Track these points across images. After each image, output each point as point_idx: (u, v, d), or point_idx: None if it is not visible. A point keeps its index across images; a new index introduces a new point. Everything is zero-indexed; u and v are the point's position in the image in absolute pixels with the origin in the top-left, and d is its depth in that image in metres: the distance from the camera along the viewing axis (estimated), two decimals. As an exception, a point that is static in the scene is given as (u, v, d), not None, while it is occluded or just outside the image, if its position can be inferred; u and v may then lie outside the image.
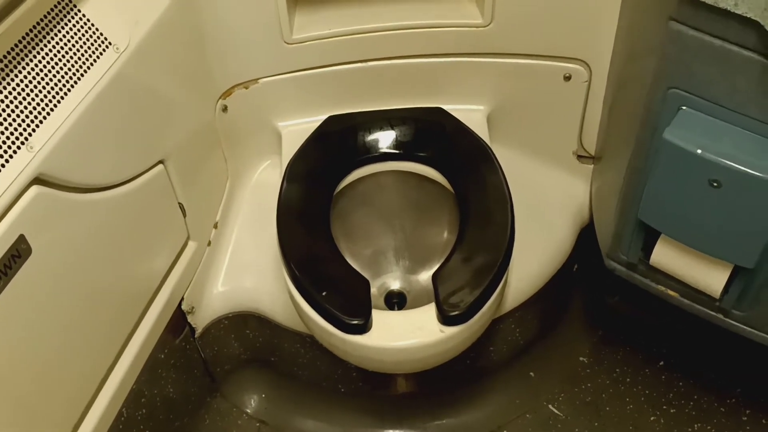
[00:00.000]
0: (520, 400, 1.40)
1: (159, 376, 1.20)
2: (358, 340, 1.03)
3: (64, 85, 0.88)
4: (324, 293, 1.06)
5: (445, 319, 1.03)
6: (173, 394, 1.24)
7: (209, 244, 1.28)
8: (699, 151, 0.92)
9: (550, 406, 1.40)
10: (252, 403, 1.40)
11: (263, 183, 1.38)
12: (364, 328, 1.03)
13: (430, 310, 1.05)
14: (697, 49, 0.91)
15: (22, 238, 0.82)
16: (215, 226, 1.30)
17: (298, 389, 1.41)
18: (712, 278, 1.06)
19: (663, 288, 1.16)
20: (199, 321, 1.28)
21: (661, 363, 1.43)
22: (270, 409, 1.40)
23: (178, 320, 1.23)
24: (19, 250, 0.83)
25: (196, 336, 1.29)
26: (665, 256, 1.09)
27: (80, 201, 0.92)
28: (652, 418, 1.37)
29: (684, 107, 0.96)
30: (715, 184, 0.92)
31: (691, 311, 1.16)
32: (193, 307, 1.25)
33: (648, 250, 1.13)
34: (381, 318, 1.04)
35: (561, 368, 1.44)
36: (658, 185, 1.00)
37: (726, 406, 1.37)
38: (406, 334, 1.03)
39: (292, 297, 1.10)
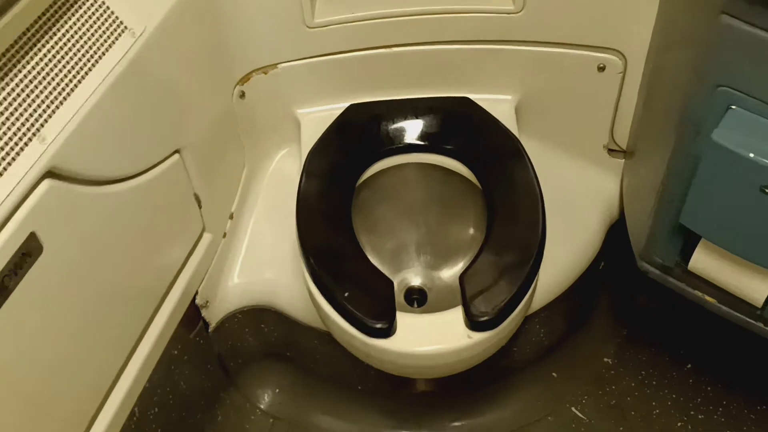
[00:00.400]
0: (542, 402, 1.36)
1: (172, 373, 1.15)
2: (381, 344, 0.98)
3: (78, 72, 0.83)
4: (346, 294, 1.01)
5: (474, 324, 0.98)
6: (186, 390, 1.20)
7: (225, 235, 1.23)
8: (751, 155, 0.86)
9: (573, 409, 1.35)
10: (266, 399, 1.36)
11: (281, 172, 1.33)
12: (388, 331, 0.98)
13: (457, 314, 1.00)
14: (751, 46, 0.85)
15: (32, 236, 0.78)
16: (231, 217, 1.25)
17: (313, 385, 1.37)
18: (755, 287, 1.01)
19: (700, 293, 1.11)
20: (213, 315, 1.24)
21: (689, 366, 1.39)
22: (284, 404, 1.36)
23: (192, 315, 1.19)
24: (30, 249, 0.78)
25: (210, 330, 1.25)
26: (705, 261, 1.04)
27: (94, 194, 0.87)
28: (679, 424, 1.33)
29: (734, 107, 0.90)
30: (767, 191, 0.87)
31: (728, 318, 1.11)
32: (207, 301, 1.21)
33: (685, 253, 1.08)
34: (406, 321, 1.00)
35: (585, 369, 1.40)
36: (703, 189, 0.94)
37: (756, 413, 1.32)
38: (431, 339, 0.99)
39: (311, 296, 1.05)
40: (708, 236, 0.99)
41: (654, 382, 1.38)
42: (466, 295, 1.00)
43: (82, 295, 0.89)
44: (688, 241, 1.06)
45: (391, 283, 1.03)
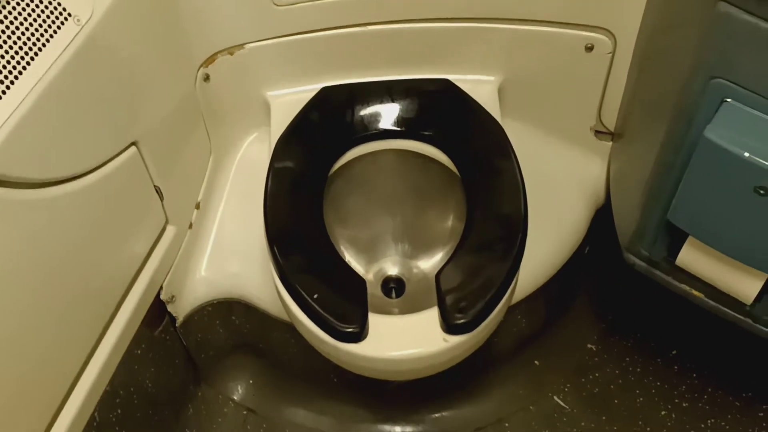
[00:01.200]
0: (523, 391, 1.32)
1: (135, 373, 1.10)
2: (352, 348, 0.93)
3: (14, 68, 0.76)
4: (315, 295, 0.95)
5: (449, 327, 0.93)
6: (152, 388, 1.15)
7: (191, 226, 1.17)
8: (746, 155, 0.80)
9: (555, 398, 1.32)
10: (239, 390, 1.32)
11: (250, 157, 1.26)
12: (359, 336, 0.93)
13: (432, 316, 0.95)
14: (749, 36, 0.79)
15: (-32, 248, 0.71)
16: (197, 207, 1.19)
17: (287, 377, 1.32)
18: (744, 285, 0.97)
19: (687, 287, 1.06)
20: (180, 309, 1.18)
21: (674, 352, 1.35)
22: (258, 396, 1.32)
23: (157, 311, 1.13)
24: (-34, 261, 0.72)
25: (177, 325, 1.19)
26: (693, 257, 0.99)
27: (39, 198, 0.81)
28: (663, 413, 1.30)
29: (729, 100, 0.84)
30: (762, 192, 0.81)
31: (716, 313, 1.06)
32: (173, 296, 1.15)
33: (673, 247, 1.03)
34: (378, 323, 0.94)
35: (567, 357, 1.36)
36: (693, 187, 0.89)
37: (741, 401, 1.30)
38: (405, 342, 0.94)
39: (280, 296, 1.00)
40: (697, 235, 0.94)
41: (638, 370, 1.35)
42: (442, 295, 0.95)
43: (33, 299, 0.83)
44: (676, 236, 1.01)
45: (364, 282, 0.97)
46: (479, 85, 1.18)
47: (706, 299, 1.06)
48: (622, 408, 1.31)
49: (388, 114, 1.14)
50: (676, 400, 1.31)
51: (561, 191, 1.27)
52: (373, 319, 0.94)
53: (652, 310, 1.38)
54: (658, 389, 1.32)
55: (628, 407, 1.31)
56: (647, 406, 1.30)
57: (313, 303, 0.95)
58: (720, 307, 1.05)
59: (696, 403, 1.30)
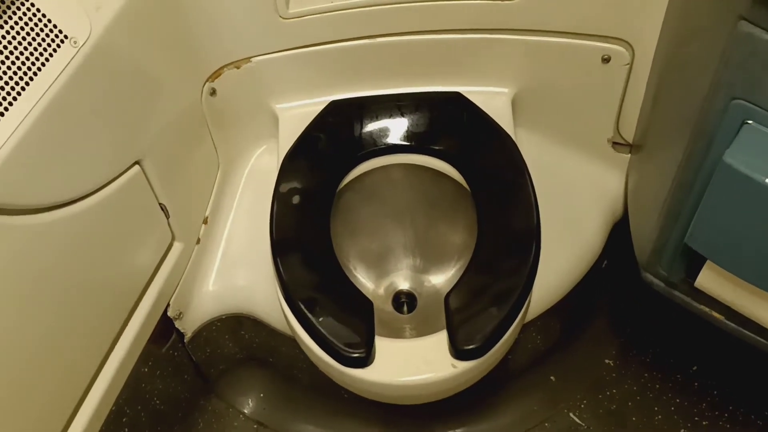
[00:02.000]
0: (538, 407, 1.29)
1: (142, 390, 1.09)
2: (358, 374, 0.91)
3: (8, 94, 0.74)
4: (321, 318, 0.93)
5: (458, 352, 0.90)
6: (160, 405, 1.14)
7: (198, 241, 1.15)
8: (767, 181, 0.77)
9: (571, 415, 1.29)
10: (249, 404, 1.30)
11: (258, 170, 1.24)
12: (365, 361, 0.91)
13: (440, 340, 0.92)
14: (772, 56, 0.75)
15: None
16: (205, 222, 1.17)
17: (298, 391, 1.31)
18: (765, 309, 0.93)
19: (707, 309, 1.02)
20: (188, 325, 1.17)
21: (694, 368, 1.31)
22: (268, 410, 1.31)
23: (164, 328, 1.12)
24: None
25: (186, 341, 1.18)
26: (712, 281, 0.95)
27: (39, 222, 0.80)
28: (682, 430, 1.26)
29: (750, 122, 0.80)
30: (783, 220, 0.77)
31: (736, 335, 1.03)
32: (180, 312, 1.14)
33: (693, 268, 0.99)
34: (385, 348, 0.92)
35: (584, 373, 1.33)
36: (712, 212, 0.85)
37: (764, 419, 1.25)
38: (413, 368, 0.91)
39: (285, 317, 0.98)
40: (715, 260, 0.90)
41: (657, 386, 1.31)
42: (451, 319, 0.93)
43: (35, 323, 0.82)
44: (696, 257, 0.97)
45: (371, 304, 0.95)
46: (492, 98, 1.15)
47: (727, 321, 1.02)
48: (639, 425, 1.27)
49: (397, 128, 1.12)
50: (696, 418, 1.27)
51: (577, 204, 1.24)
52: (380, 344, 0.92)
53: (672, 327, 1.34)
54: (677, 406, 1.28)
55: (646, 424, 1.27)
56: (666, 424, 1.27)
57: (318, 327, 0.93)
58: (741, 329, 1.02)
59: (716, 421, 1.26)
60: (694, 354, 1.32)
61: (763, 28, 0.74)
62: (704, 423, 1.26)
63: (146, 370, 1.08)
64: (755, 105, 0.79)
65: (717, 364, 1.31)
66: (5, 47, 0.75)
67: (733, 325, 1.02)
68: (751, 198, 0.79)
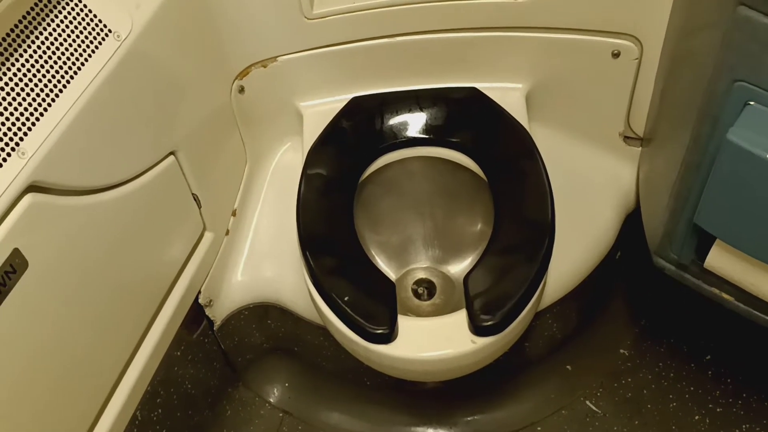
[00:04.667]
0: (555, 395, 1.33)
1: (175, 374, 1.14)
2: (382, 349, 0.96)
3: (59, 82, 0.80)
4: (346, 298, 0.98)
5: (477, 329, 0.95)
6: (191, 389, 1.19)
7: (227, 233, 1.21)
8: (768, 156, 0.81)
9: (587, 402, 1.32)
10: (275, 393, 1.35)
11: (284, 166, 1.30)
12: (389, 337, 0.95)
13: (460, 318, 0.97)
14: (770, 39, 0.79)
15: (16, 253, 0.76)
16: (233, 214, 1.23)
17: (322, 380, 1.35)
18: (774, 287, 0.97)
19: (717, 291, 1.06)
20: (218, 313, 1.22)
21: (708, 357, 1.34)
22: (294, 398, 1.35)
23: (195, 314, 1.17)
24: (14, 265, 0.76)
25: (215, 328, 1.23)
26: (721, 260, 0.99)
27: (82, 204, 0.85)
28: (696, 417, 1.29)
29: (752, 102, 0.84)
30: (785, 193, 0.82)
31: (747, 316, 1.06)
32: (210, 300, 1.19)
33: (702, 250, 1.03)
34: (407, 325, 0.97)
35: (600, 361, 1.36)
36: (718, 189, 0.89)
37: (777, 406, 1.28)
38: (434, 344, 0.96)
39: (312, 299, 1.03)
40: (723, 237, 0.94)
41: (671, 375, 1.34)
42: (470, 298, 0.97)
43: (76, 304, 0.87)
44: (705, 238, 1.01)
45: (393, 285, 1.00)
46: (507, 93, 1.20)
47: (737, 302, 1.06)
48: (655, 413, 1.30)
49: (416, 122, 1.17)
50: (710, 406, 1.30)
51: (590, 196, 1.28)
52: (403, 321, 0.97)
53: (686, 315, 1.37)
54: (691, 394, 1.31)
55: (661, 412, 1.30)
56: (681, 411, 1.30)
57: (344, 305, 0.98)
58: (750, 310, 1.05)
59: (730, 408, 1.29)
60: (707, 343, 1.35)
61: (761, 12, 0.79)
62: (718, 410, 1.29)
63: (179, 354, 1.14)
64: (756, 86, 0.83)
65: (730, 353, 1.34)
66: (56, 39, 0.81)
67: (743, 306, 1.06)
68: (755, 173, 0.84)
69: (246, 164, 1.26)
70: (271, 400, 1.35)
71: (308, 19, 1.12)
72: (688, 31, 1.00)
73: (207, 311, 1.19)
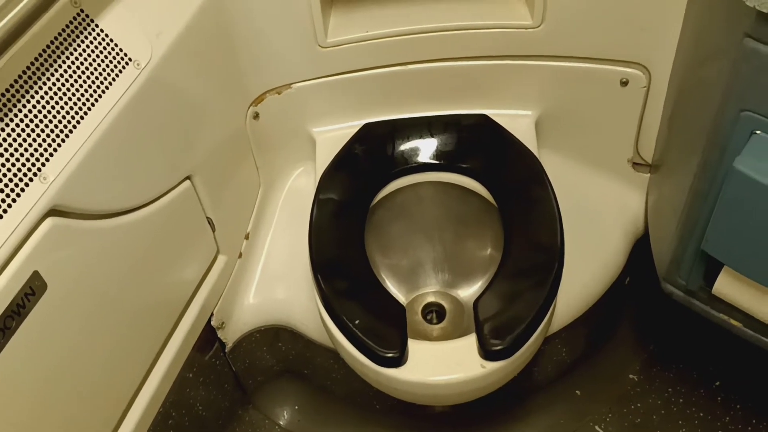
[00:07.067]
0: (564, 420, 1.33)
1: (187, 396, 1.15)
2: (392, 373, 0.97)
3: (80, 109, 0.83)
4: (357, 321, 0.99)
5: (487, 353, 0.96)
6: (202, 411, 1.20)
7: (240, 256, 1.23)
8: (775, 185, 0.82)
9: (596, 427, 1.32)
10: (285, 416, 1.36)
11: (297, 190, 1.32)
12: (399, 361, 0.96)
13: (470, 342, 0.98)
14: (776, 70, 0.81)
15: (36, 275, 0.77)
16: (246, 237, 1.24)
17: (332, 403, 1.36)
18: (781, 313, 0.97)
19: (725, 317, 1.07)
20: (230, 335, 1.24)
21: (717, 383, 1.35)
22: (303, 421, 1.36)
23: (207, 336, 1.18)
24: (33, 288, 0.78)
25: (226, 351, 1.24)
26: (729, 286, 1.00)
27: (100, 228, 0.87)
28: (706, 444, 1.29)
29: (758, 132, 0.86)
30: (791, 222, 0.83)
31: (755, 342, 1.07)
32: (223, 323, 1.20)
33: (710, 276, 1.04)
34: (417, 349, 0.98)
35: (609, 387, 1.37)
36: (725, 217, 0.90)
37: (787, 433, 1.28)
38: (444, 368, 0.97)
39: (323, 322, 1.04)
40: (731, 264, 0.95)
41: (681, 400, 1.34)
42: (479, 322, 0.98)
43: (92, 326, 0.89)
44: (713, 265, 1.02)
45: (404, 309, 1.01)
46: (516, 120, 1.22)
47: (745, 328, 1.07)
48: (664, 438, 1.30)
49: (427, 148, 1.19)
50: (720, 432, 1.30)
51: (600, 222, 1.29)
52: (413, 345, 0.98)
53: (695, 341, 1.37)
54: (701, 420, 1.31)
55: (670, 438, 1.30)
56: (690, 437, 1.30)
57: (355, 329, 0.99)
58: (759, 336, 1.06)
59: (740, 434, 1.29)
60: (716, 369, 1.35)
61: (766, 44, 0.80)
62: (728, 436, 1.29)
63: (191, 375, 1.15)
64: (763, 116, 0.85)
65: (739, 379, 1.34)
66: (78, 67, 0.83)
67: (751, 332, 1.06)
68: (761, 202, 0.85)
69: (259, 188, 1.28)
70: (281, 423, 1.35)
71: (322, 47, 1.15)
72: (696, 60, 1.02)
73: (219, 333, 1.21)
